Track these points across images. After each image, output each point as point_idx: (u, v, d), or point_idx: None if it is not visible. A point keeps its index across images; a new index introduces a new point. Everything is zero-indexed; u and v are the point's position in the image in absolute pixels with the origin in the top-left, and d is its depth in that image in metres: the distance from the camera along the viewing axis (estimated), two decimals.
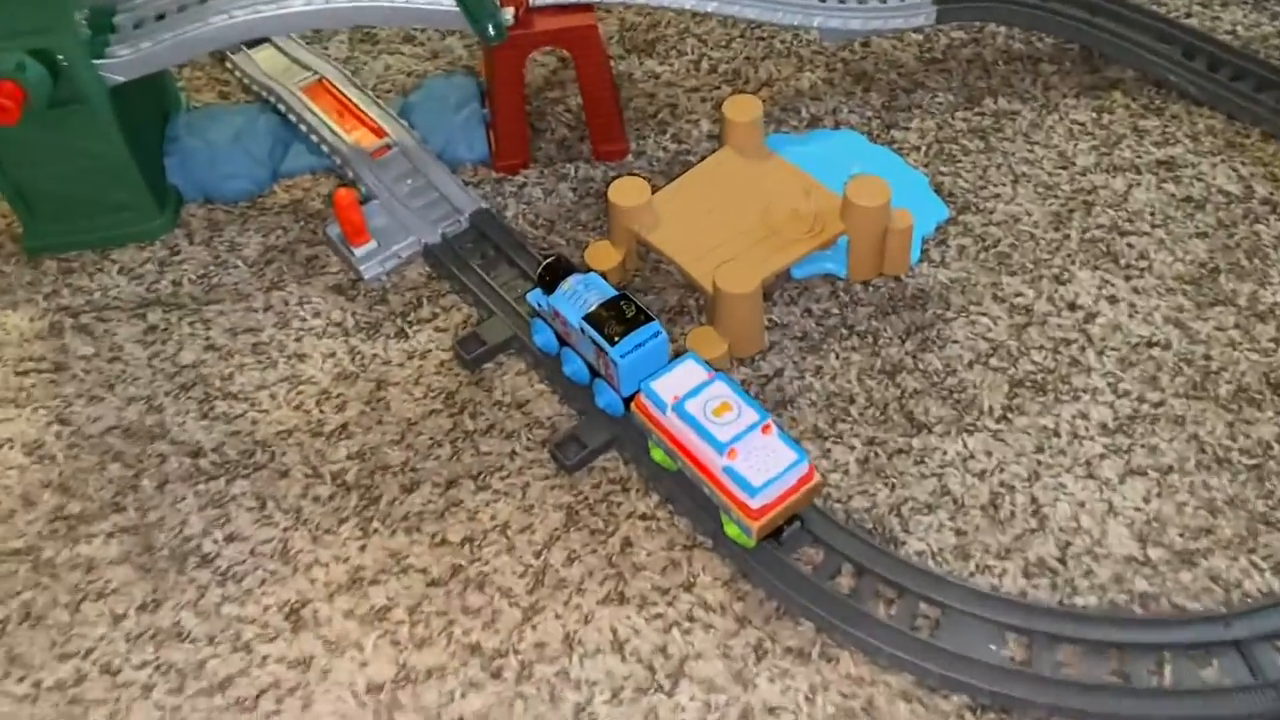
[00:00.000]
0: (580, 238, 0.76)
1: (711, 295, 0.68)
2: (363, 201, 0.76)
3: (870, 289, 0.72)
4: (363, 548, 0.62)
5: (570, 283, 0.64)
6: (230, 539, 0.63)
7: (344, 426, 0.68)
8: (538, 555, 0.62)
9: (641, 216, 0.71)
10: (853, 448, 0.65)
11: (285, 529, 0.63)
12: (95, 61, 0.72)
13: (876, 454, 0.65)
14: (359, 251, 0.75)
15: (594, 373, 0.65)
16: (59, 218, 0.77)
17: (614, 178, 0.74)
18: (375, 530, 0.63)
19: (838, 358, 0.69)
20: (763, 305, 0.69)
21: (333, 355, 0.71)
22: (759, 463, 0.56)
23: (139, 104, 0.78)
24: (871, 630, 0.57)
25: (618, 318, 0.62)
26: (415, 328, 0.72)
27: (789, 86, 0.85)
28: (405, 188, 0.78)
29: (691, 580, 0.60)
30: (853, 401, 0.67)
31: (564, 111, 0.85)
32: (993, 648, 0.56)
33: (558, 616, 0.59)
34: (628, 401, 0.63)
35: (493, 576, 0.61)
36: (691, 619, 0.59)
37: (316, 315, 0.73)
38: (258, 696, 0.57)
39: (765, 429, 0.57)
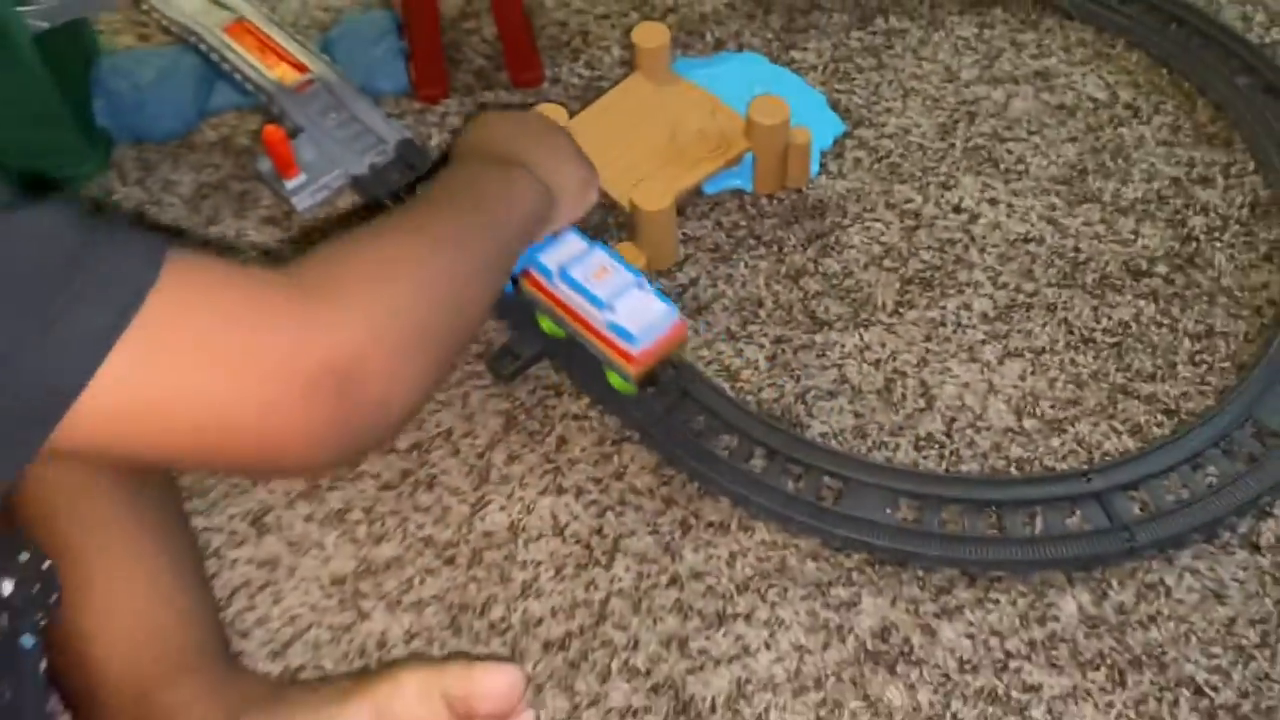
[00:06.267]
0: None
1: (630, 212, 0.73)
2: (290, 136, 0.79)
3: (775, 201, 0.79)
4: None
5: None
6: None
7: None
8: (480, 456, 0.67)
9: None
10: (762, 346, 0.72)
11: None
12: (20, 8, 0.74)
13: (783, 350, 0.71)
14: (290, 184, 0.78)
15: None
16: None
17: (531, 104, 0.78)
18: None
19: (747, 266, 0.75)
20: (676, 220, 0.74)
21: None
22: (637, 316, 0.63)
23: (62, 48, 0.80)
24: (782, 502, 0.64)
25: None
26: None
27: (694, 12, 0.90)
28: (331, 121, 0.82)
29: (622, 470, 0.67)
30: (761, 305, 0.73)
31: (480, 42, 0.89)
32: (888, 511, 0.64)
33: (502, 508, 0.65)
34: (515, 280, 0.68)
35: (440, 478, 0.67)
36: (623, 503, 0.65)
37: (252, 247, 0.77)
38: (231, 595, 0.62)
39: (640, 286, 0.64)
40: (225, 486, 0.66)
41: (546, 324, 0.69)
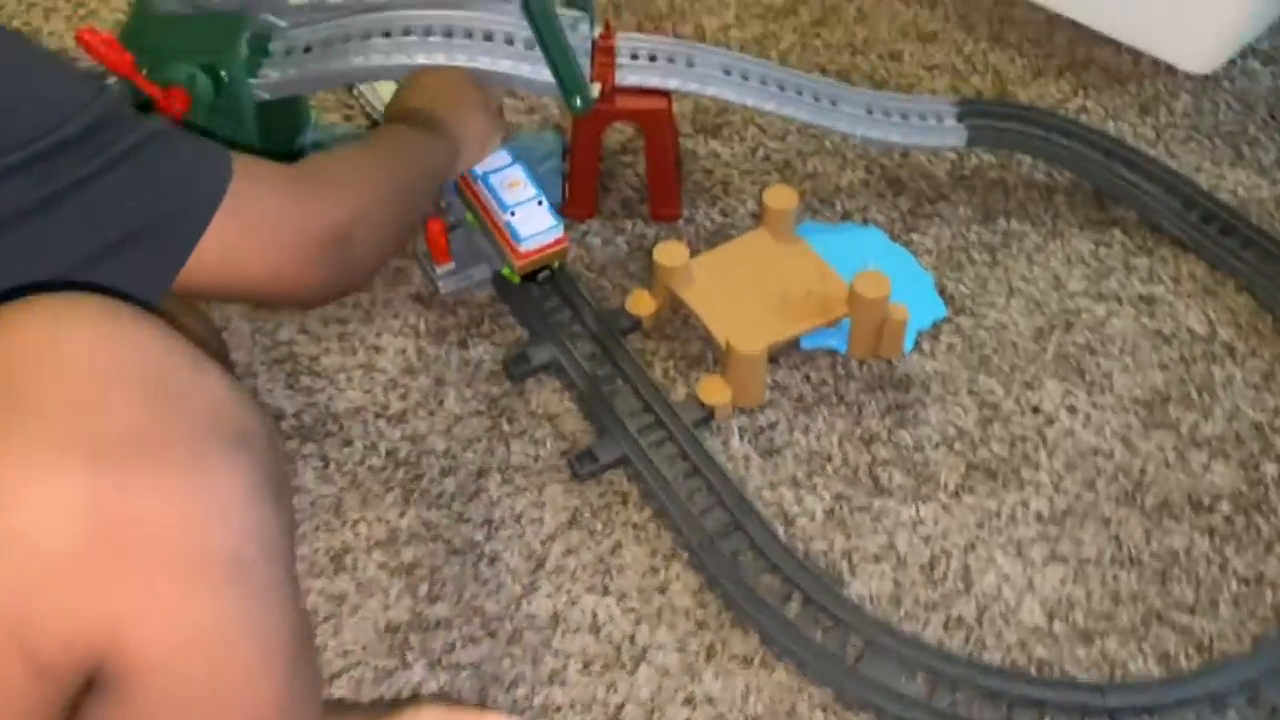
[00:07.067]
0: (625, 284, 0.89)
1: (725, 350, 0.80)
2: (449, 229, 0.89)
3: (864, 367, 0.84)
4: (401, 514, 0.75)
5: None
6: (295, 490, 0.76)
7: (403, 412, 0.81)
8: (543, 544, 0.74)
9: (679, 275, 0.84)
10: (822, 499, 0.76)
11: (341, 488, 0.76)
12: (250, 80, 0.87)
13: (841, 508, 0.76)
14: (440, 270, 0.88)
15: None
16: None
17: (665, 238, 0.86)
18: (414, 501, 0.76)
19: (825, 421, 0.81)
20: (767, 366, 0.81)
21: (404, 351, 0.84)
22: (529, 223, 0.81)
23: (279, 115, 0.92)
24: (807, 649, 0.68)
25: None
26: (475, 340, 0.85)
27: (830, 182, 0.97)
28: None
29: (666, 586, 0.72)
30: (829, 460, 0.78)
31: (632, 175, 0.98)
32: (904, 680, 0.67)
33: (549, 596, 0.71)
34: (455, 185, 0.85)
35: (503, 555, 0.73)
36: (659, 617, 0.70)
37: (396, 316, 0.87)
38: None
39: (539, 203, 0.81)
40: (317, 521, 0.74)
41: (470, 219, 0.85)
